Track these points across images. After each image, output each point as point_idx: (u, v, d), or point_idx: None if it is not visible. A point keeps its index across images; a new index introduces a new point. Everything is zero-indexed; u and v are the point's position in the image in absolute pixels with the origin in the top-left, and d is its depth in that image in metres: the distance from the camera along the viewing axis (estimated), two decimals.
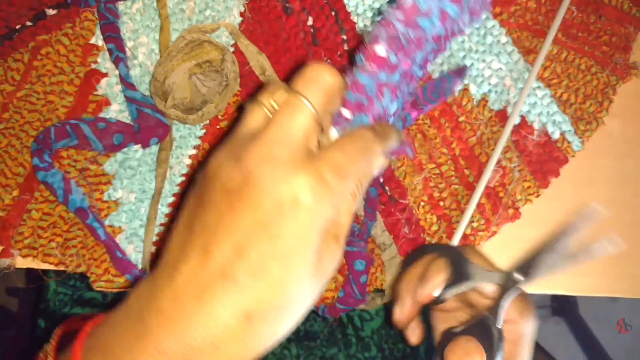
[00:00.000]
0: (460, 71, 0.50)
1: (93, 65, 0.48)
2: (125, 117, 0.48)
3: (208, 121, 0.48)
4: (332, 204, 0.24)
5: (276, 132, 0.24)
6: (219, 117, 0.48)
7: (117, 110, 0.48)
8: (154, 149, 0.47)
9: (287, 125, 0.24)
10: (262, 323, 0.23)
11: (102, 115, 0.47)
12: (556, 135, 0.51)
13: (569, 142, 0.51)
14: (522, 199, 0.51)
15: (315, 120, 0.25)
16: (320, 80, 0.25)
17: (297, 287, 0.24)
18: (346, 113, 0.28)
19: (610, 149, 0.52)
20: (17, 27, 0.47)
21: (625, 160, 0.52)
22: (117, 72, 0.47)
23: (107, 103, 0.48)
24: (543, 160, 0.51)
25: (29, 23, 0.47)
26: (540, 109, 0.52)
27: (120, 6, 0.49)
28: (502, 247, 0.50)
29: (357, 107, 0.28)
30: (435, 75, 0.51)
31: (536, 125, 0.51)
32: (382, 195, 0.49)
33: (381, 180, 0.50)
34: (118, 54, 0.45)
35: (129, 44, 0.48)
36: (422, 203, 0.50)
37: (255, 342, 0.24)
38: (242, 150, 0.24)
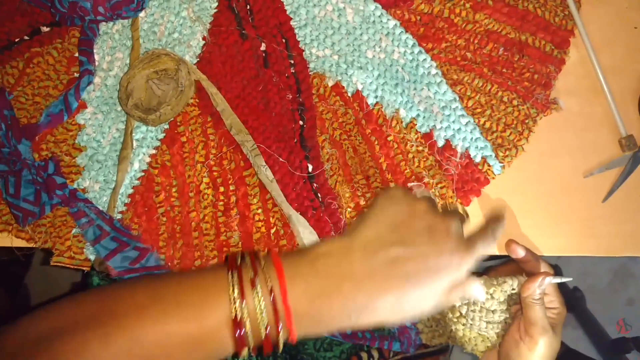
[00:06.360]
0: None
1: (75, 74, 0.57)
2: (97, 119, 0.56)
3: (168, 125, 0.56)
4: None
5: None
6: (177, 122, 0.56)
7: (91, 112, 0.56)
8: (119, 146, 0.56)
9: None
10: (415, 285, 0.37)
11: (79, 115, 0.56)
12: (478, 159, 0.57)
13: (489, 165, 0.57)
14: None
15: None
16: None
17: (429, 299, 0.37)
18: None
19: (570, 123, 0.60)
20: (16, 40, 0.57)
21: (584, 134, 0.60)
22: (95, 80, 0.56)
23: (84, 106, 0.57)
24: (465, 180, 0.57)
25: (26, 37, 0.57)
26: (464, 135, 0.58)
27: (103, 27, 0.58)
28: None
29: None
30: None
31: (459, 149, 0.57)
32: (314, 201, 0.56)
33: (315, 186, 0.56)
34: (87, 66, 0.54)
35: (107, 59, 0.57)
36: (349, 209, 0.56)
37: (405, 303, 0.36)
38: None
